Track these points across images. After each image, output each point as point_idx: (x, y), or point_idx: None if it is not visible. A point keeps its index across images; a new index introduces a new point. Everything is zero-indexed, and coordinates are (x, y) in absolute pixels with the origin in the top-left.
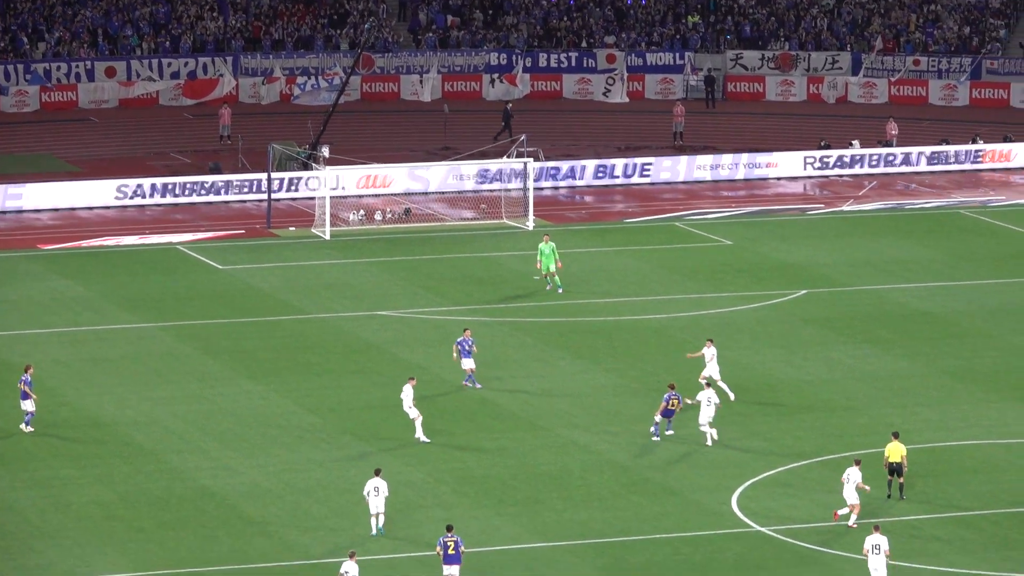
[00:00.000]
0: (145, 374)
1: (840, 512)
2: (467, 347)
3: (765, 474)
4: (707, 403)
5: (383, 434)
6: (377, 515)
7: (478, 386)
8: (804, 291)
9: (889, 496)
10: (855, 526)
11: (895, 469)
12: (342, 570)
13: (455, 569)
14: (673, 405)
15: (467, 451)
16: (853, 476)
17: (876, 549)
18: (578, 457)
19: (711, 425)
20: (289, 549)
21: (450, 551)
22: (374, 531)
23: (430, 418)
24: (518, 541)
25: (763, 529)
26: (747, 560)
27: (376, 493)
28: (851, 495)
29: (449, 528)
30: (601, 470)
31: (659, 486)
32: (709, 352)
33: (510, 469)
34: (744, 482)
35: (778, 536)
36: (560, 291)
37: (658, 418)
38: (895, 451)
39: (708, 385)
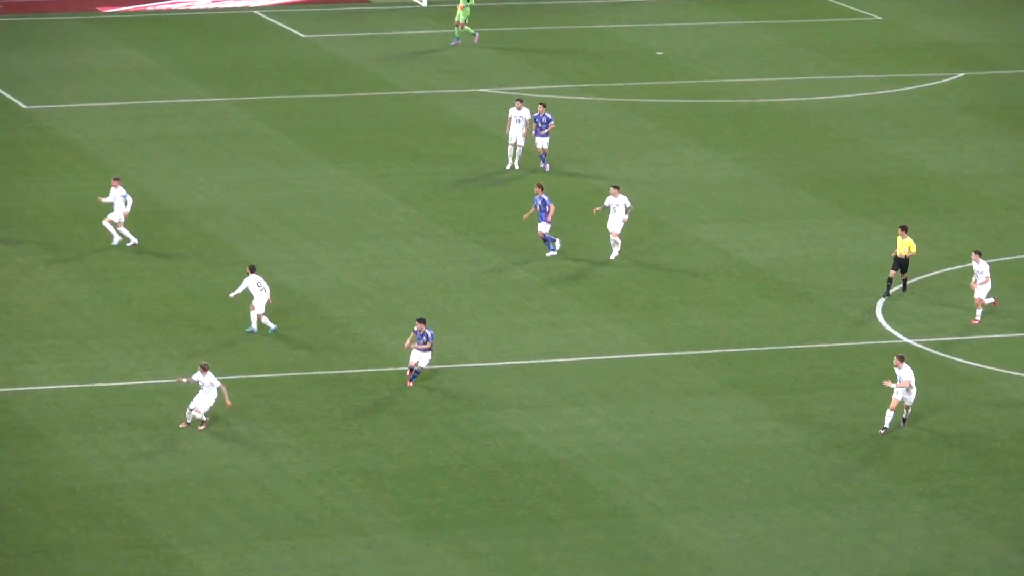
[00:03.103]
0: (217, 155)
1: None
2: (542, 123)
3: (914, 279)
4: (613, 210)
5: (485, 226)
6: (260, 315)
7: (546, 168)
8: (962, 73)
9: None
10: None
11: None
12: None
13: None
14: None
15: (577, 249)
16: None
17: None
18: (703, 257)
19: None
20: (376, 354)
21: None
22: (254, 327)
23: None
24: (634, 350)
25: (910, 341)
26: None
27: (260, 287)
28: None
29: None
30: (729, 272)
31: (794, 291)
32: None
33: (625, 269)
34: (890, 288)
35: (927, 349)
36: (453, 44)
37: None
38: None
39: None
